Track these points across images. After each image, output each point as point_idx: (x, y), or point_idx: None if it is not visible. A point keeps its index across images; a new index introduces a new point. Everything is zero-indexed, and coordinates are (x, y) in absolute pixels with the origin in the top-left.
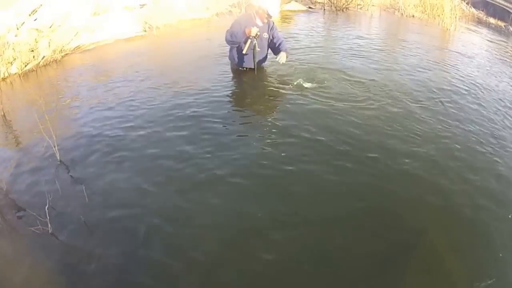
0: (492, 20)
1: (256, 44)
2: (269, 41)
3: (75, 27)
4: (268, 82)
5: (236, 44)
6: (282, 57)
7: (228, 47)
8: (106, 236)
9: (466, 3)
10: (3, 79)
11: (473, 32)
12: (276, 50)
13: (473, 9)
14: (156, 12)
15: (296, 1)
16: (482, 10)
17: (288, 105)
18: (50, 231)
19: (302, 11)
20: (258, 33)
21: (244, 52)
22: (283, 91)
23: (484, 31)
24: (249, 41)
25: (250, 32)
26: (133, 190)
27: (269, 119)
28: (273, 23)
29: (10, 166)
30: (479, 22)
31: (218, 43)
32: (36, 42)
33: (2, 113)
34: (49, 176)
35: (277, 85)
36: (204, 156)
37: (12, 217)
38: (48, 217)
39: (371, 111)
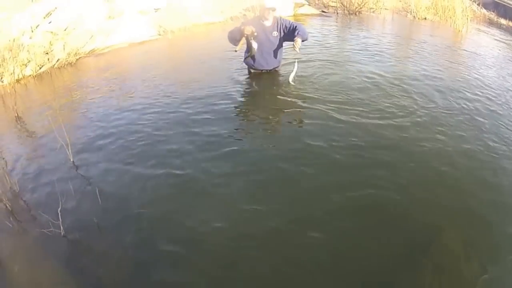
0: (503, 21)
1: (254, 43)
2: (282, 35)
3: (90, 31)
4: (283, 84)
5: (233, 40)
6: (297, 43)
7: (243, 51)
8: (119, 239)
9: (477, 4)
10: (18, 80)
11: (485, 33)
12: (293, 36)
13: (484, 10)
14: (171, 16)
15: (309, 5)
16: (493, 11)
17: (301, 108)
18: (62, 234)
19: (315, 14)
20: (255, 33)
21: (236, 49)
22: (297, 93)
23: (496, 32)
24: (243, 39)
25: (243, 30)
26: (148, 193)
27: (282, 121)
28: (281, 17)
29: (23, 167)
30: (491, 23)
31: (232, 46)
32: (51, 45)
33: (16, 114)
34: (62, 178)
35: (291, 87)
36: (219, 158)
37: (24, 219)
38: (60, 219)
39: (390, 113)
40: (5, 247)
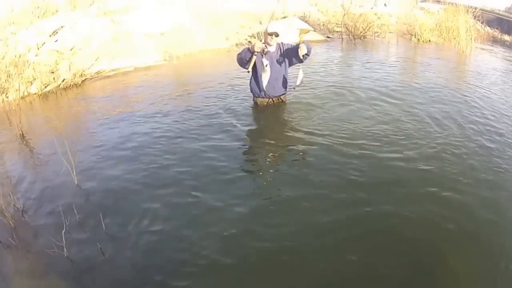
0: (507, 37)
1: (265, 63)
2: (284, 50)
3: (96, 52)
4: (288, 115)
5: (243, 61)
6: (301, 49)
7: (249, 78)
8: (122, 265)
9: (481, 23)
10: (22, 97)
11: (489, 52)
12: (296, 55)
13: (487, 28)
14: (176, 41)
15: (315, 31)
16: (497, 28)
17: (307, 139)
18: (65, 255)
19: (321, 40)
20: (266, 50)
21: (248, 69)
22: (304, 123)
23: (500, 49)
24: (254, 57)
25: (253, 47)
26: (152, 216)
27: (287, 154)
28: (283, 43)
29: (27, 185)
30: (494, 40)
31: (238, 73)
32: (57, 64)
33: (21, 132)
34: (66, 200)
35: (296, 116)
36: (223, 186)
37: (27, 237)
38: (64, 241)
39: (396, 145)
40: (8, 265)
